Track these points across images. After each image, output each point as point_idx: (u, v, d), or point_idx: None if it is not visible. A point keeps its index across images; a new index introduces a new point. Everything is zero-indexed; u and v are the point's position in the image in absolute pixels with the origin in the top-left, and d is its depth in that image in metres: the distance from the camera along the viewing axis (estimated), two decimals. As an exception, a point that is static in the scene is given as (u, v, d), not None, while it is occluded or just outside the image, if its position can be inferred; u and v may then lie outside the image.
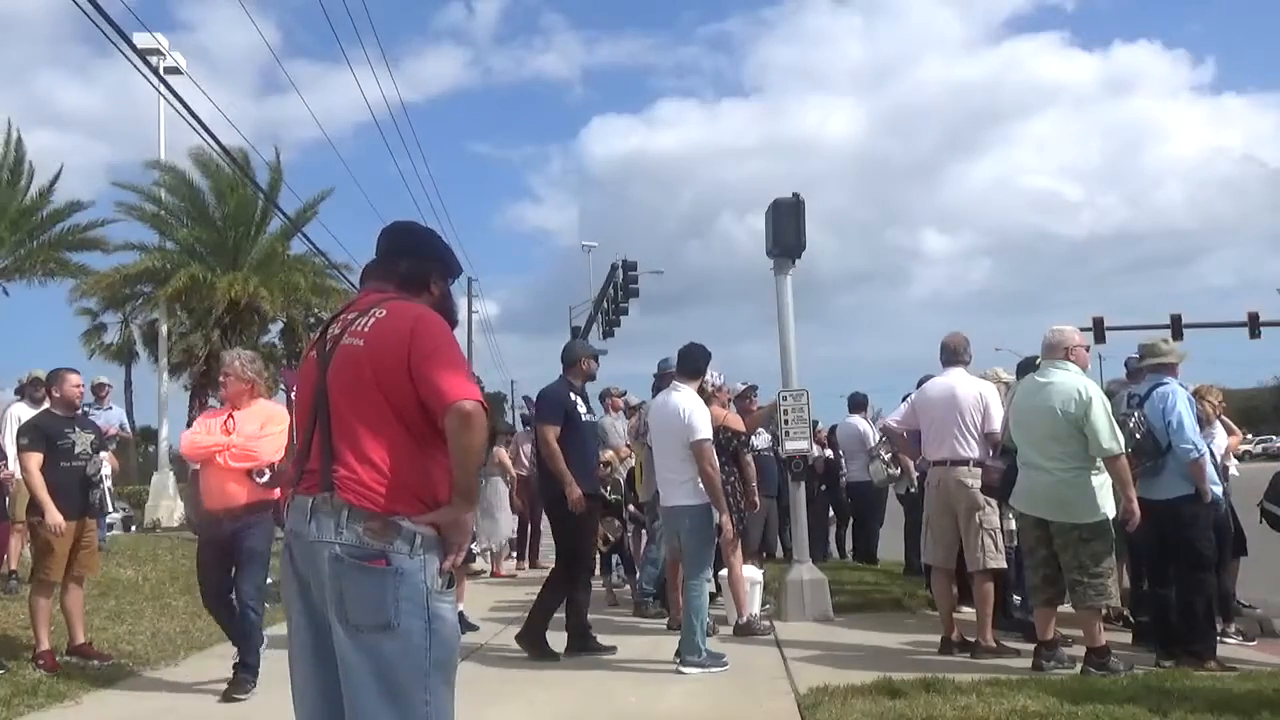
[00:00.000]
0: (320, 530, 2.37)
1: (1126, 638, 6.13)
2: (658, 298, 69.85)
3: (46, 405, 6.29)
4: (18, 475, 6.48)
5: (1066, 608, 5.41)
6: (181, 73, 16.84)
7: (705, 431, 5.79)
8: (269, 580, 5.44)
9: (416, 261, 2.69)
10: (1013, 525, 5.92)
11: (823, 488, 11.29)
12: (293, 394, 3.11)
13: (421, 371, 2.39)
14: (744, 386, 8.37)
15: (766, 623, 6.88)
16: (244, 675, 5.14)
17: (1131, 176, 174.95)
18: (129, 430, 12.68)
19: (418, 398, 2.40)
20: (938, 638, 6.03)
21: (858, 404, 11.38)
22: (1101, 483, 5.15)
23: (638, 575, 8.04)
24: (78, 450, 5.84)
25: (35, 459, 5.69)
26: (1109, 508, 5.14)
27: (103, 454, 6.23)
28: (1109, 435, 5.07)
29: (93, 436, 6.02)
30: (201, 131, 10.11)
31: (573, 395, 6.34)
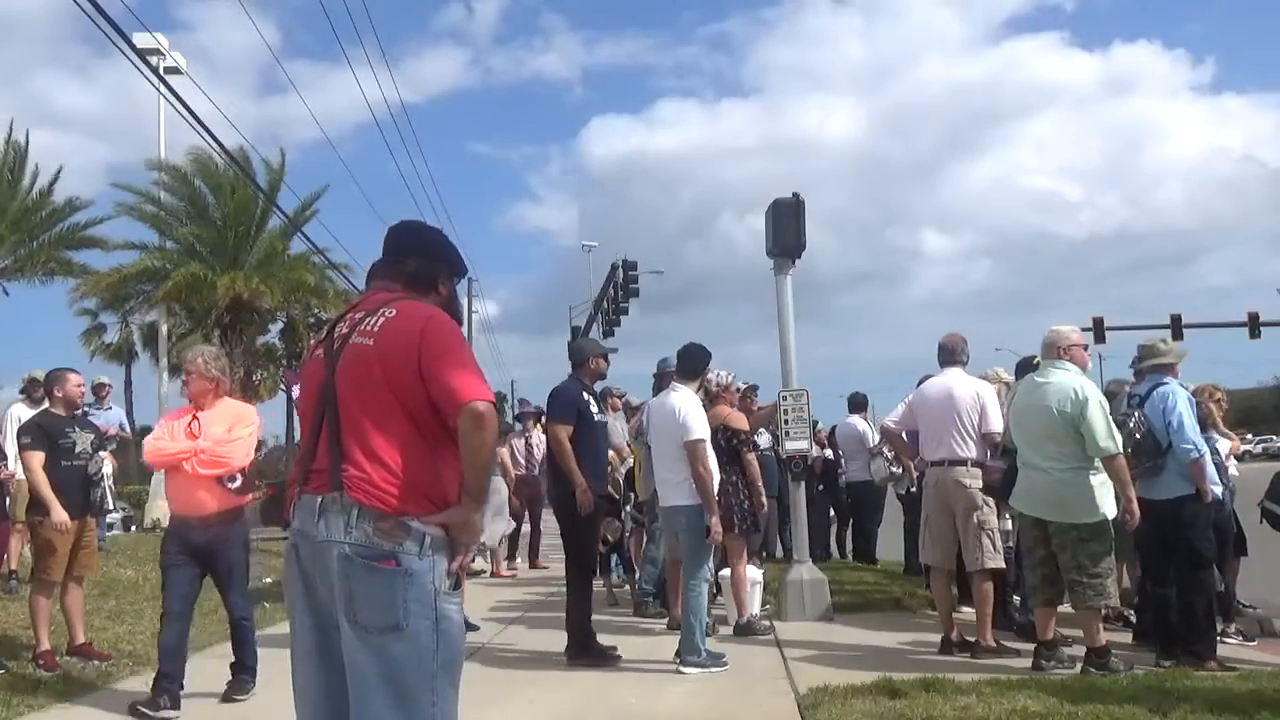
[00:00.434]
0: (329, 530, 2.36)
1: (1126, 637, 6.13)
2: (658, 298, 69.98)
3: (46, 405, 6.29)
4: (18, 476, 6.49)
5: (1066, 608, 5.41)
6: (181, 73, 16.86)
7: (700, 432, 5.79)
8: (269, 580, 5.45)
9: (424, 261, 2.68)
10: (1009, 525, 5.93)
11: (820, 488, 11.29)
12: (294, 394, 3.13)
13: (433, 371, 2.38)
14: (744, 386, 8.37)
15: (766, 623, 6.88)
16: (244, 676, 5.09)
17: (1131, 176, 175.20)
18: (128, 430, 12.68)
19: (428, 397, 2.40)
20: (938, 638, 6.03)
21: (857, 404, 11.39)
22: (1100, 483, 5.15)
23: (637, 575, 8.04)
24: (78, 450, 5.84)
25: (37, 458, 5.69)
26: (1108, 508, 5.14)
27: (102, 453, 6.23)
28: (1105, 434, 5.07)
29: (93, 436, 6.03)
30: (201, 131, 10.10)
31: (585, 395, 6.33)
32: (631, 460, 8.28)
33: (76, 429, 5.92)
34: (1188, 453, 5.44)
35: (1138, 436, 5.56)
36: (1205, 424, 6.15)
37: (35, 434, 5.79)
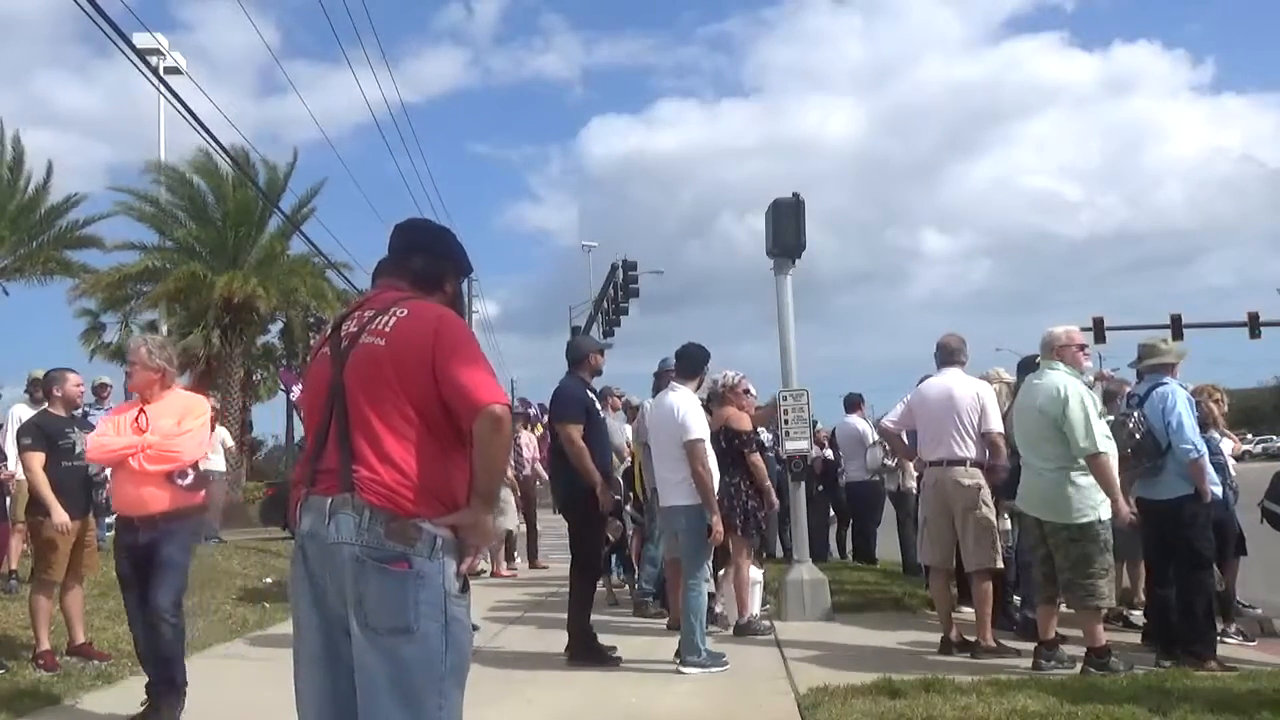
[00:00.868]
0: (340, 531, 2.33)
1: (1127, 637, 6.12)
2: (658, 298, 69.89)
3: (46, 406, 6.28)
4: (19, 476, 6.49)
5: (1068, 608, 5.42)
6: (181, 73, 16.86)
7: (699, 431, 5.78)
8: (270, 580, 5.41)
9: (431, 259, 2.66)
10: (1008, 525, 5.93)
11: (820, 488, 11.30)
12: (293, 394, 3.09)
13: (448, 373, 2.37)
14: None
15: (766, 623, 6.88)
16: (169, 699, 4.56)
17: (1131, 177, 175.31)
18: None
19: (439, 398, 2.38)
20: (938, 638, 6.03)
21: (853, 404, 11.39)
22: (1091, 484, 5.15)
23: (637, 575, 8.04)
24: (78, 450, 5.83)
25: (38, 459, 5.69)
26: (1102, 509, 5.13)
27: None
28: (1083, 434, 5.07)
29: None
30: (201, 131, 10.10)
31: (588, 393, 6.31)
32: (629, 460, 8.27)
33: (76, 429, 5.92)
34: (1187, 453, 5.44)
35: (1137, 437, 5.57)
36: (1206, 424, 6.15)
37: (35, 435, 5.79)
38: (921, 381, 6.56)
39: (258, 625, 7.31)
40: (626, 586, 8.38)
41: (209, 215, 22.61)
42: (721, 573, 7.09)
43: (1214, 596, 5.63)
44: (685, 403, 5.89)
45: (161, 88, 10.32)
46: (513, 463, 11.22)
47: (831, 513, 12.02)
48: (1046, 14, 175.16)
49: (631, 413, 8.99)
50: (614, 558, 8.37)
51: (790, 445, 7.66)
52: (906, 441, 6.59)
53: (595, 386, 6.63)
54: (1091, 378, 6.92)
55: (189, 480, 4.67)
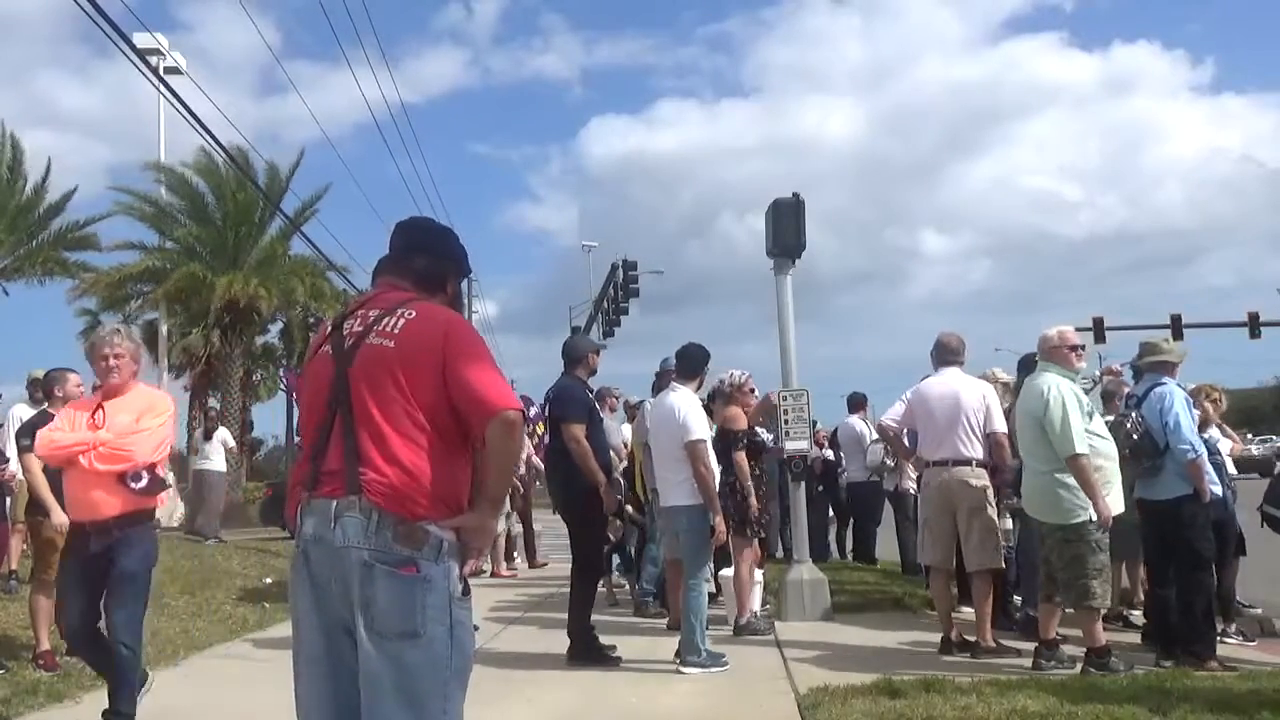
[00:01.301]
0: (348, 535, 2.30)
1: (1127, 637, 6.13)
2: (658, 298, 69.87)
3: (45, 405, 6.28)
4: (19, 476, 6.48)
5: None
6: (181, 73, 16.87)
7: (700, 432, 5.78)
8: (270, 580, 5.36)
9: (433, 259, 2.64)
10: (1009, 525, 5.93)
11: (819, 488, 11.31)
12: (294, 394, 3.03)
13: (460, 378, 2.36)
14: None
15: (766, 623, 6.88)
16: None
17: (1131, 177, 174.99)
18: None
19: (447, 401, 2.37)
20: (938, 638, 6.03)
21: (856, 404, 11.40)
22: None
23: (639, 575, 8.04)
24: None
25: (37, 459, 5.68)
26: (1093, 510, 5.11)
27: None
28: (1061, 435, 5.08)
29: (93, 436, 6.02)
30: (201, 132, 10.11)
31: (588, 393, 6.31)
32: (626, 461, 8.27)
33: (76, 429, 5.91)
34: (1185, 453, 5.44)
35: (1135, 437, 5.57)
36: (1204, 424, 6.15)
37: (34, 435, 5.78)
38: (926, 379, 6.50)
39: (258, 625, 7.31)
40: (626, 586, 8.38)
41: (209, 215, 22.62)
42: (723, 572, 7.10)
43: (1214, 596, 5.63)
44: (686, 403, 5.89)
45: (161, 88, 10.33)
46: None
47: (831, 513, 12.03)
48: (1046, 14, 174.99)
49: (631, 412, 9.00)
50: (614, 558, 8.37)
51: (790, 445, 7.65)
52: (905, 442, 6.59)
53: (592, 386, 6.63)
54: (1096, 377, 6.93)
55: (143, 483, 4.27)
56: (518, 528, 11.81)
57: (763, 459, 7.17)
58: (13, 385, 8.95)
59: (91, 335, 4.33)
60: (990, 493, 5.86)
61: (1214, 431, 6.50)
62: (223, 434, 14.51)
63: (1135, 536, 5.86)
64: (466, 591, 2.41)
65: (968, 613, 6.22)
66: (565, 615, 6.15)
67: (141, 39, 11.55)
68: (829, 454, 11.66)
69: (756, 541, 7.05)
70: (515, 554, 11.70)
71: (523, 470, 11.34)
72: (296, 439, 7.55)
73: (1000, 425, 5.90)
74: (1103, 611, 5.43)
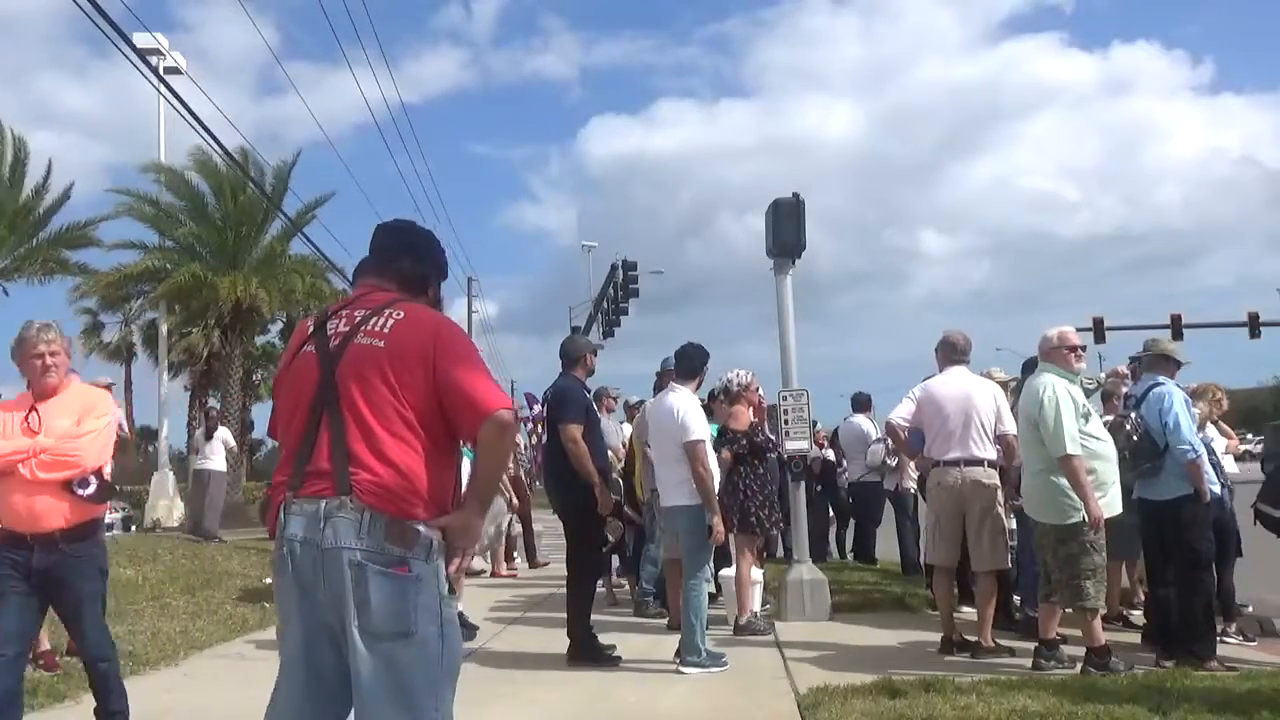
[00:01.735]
0: (339, 536, 2.30)
1: (1127, 637, 6.12)
2: (658, 298, 69.86)
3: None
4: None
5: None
6: (181, 73, 16.86)
7: (699, 432, 5.77)
8: (269, 580, 5.31)
9: (416, 262, 2.65)
10: (1013, 525, 5.92)
11: (819, 488, 11.31)
12: None
13: (451, 379, 2.37)
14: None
15: (766, 623, 6.88)
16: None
17: (1130, 177, 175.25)
18: (126, 430, 12.69)
19: (436, 402, 2.38)
20: (938, 638, 6.03)
21: (861, 404, 11.38)
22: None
23: (638, 575, 8.04)
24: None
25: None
26: (1087, 511, 5.10)
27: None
28: (1053, 436, 5.08)
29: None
30: (201, 132, 10.12)
31: (586, 393, 6.31)
32: (623, 461, 8.27)
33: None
34: (1184, 453, 5.44)
35: (1134, 438, 5.57)
36: (1201, 422, 6.14)
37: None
38: (928, 379, 6.48)
39: (258, 625, 7.31)
40: (626, 586, 8.38)
41: (209, 215, 22.62)
42: (723, 572, 7.10)
43: (1214, 597, 5.63)
44: (685, 403, 5.89)
45: (161, 88, 10.33)
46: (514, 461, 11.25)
47: (831, 513, 12.02)
48: (1045, 14, 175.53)
49: (630, 412, 9.00)
50: (613, 558, 8.38)
51: (790, 445, 7.65)
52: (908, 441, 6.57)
53: (590, 387, 6.63)
54: (1100, 379, 6.92)
55: (91, 490, 3.98)
56: (518, 528, 11.81)
57: (765, 459, 7.16)
58: (14, 385, 8.95)
59: (20, 332, 4.03)
60: (1001, 494, 5.86)
61: (1210, 430, 6.50)
62: (223, 434, 14.51)
63: (1135, 536, 5.86)
64: (453, 590, 2.43)
65: (968, 612, 6.22)
66: (565, 615, 6.14)
67: (141, 39, 11.55)
68: (829, 454, 11.66)
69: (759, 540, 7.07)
70: (515, 554, 11.69)
71: (514, 471, 11.34)
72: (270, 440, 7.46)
73: (1011, 427, 5.86)
74: (1102, 611, 5.43)
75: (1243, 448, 9.92)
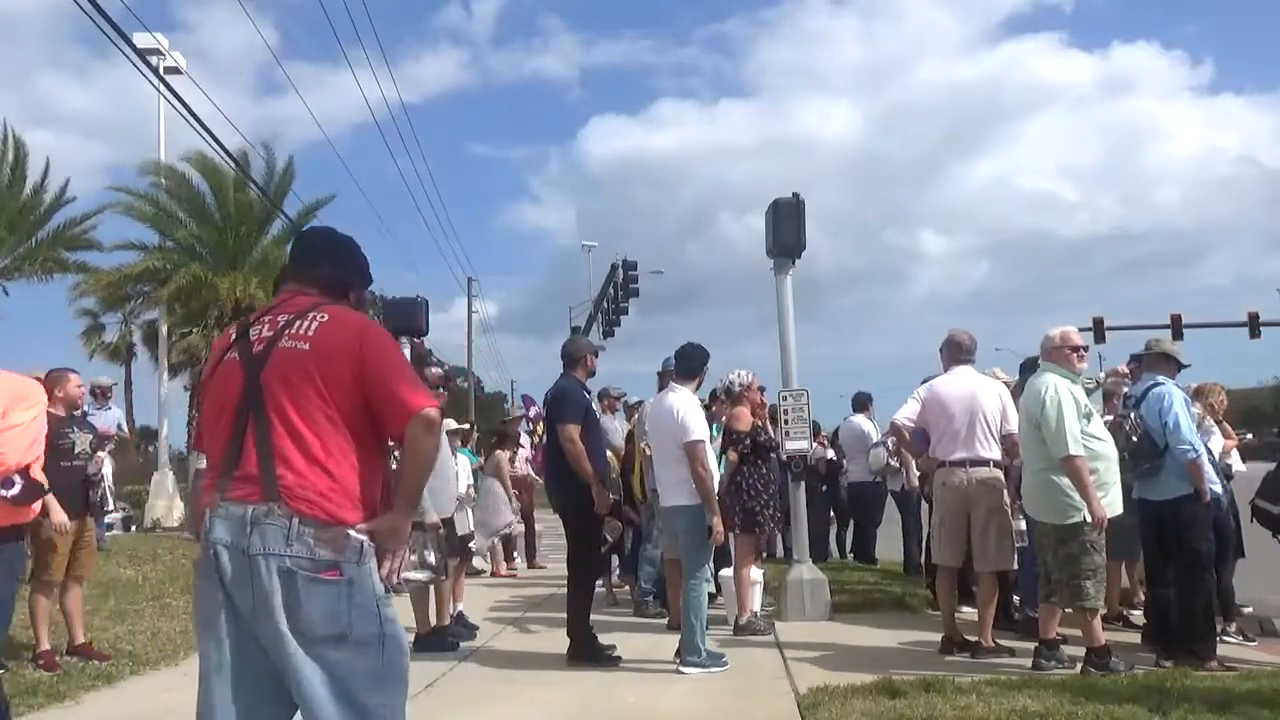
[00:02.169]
0: (267, 543, 2.28)
1: (1127, 637, 6.12)
2: (658, 298, 69.78)
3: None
4: (18, 475, 6.47)
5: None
6: (181, 73, 16.85)
7: (699, 432, 5.77)
8: None
9: (336, 267, 2.67)
10: (1022, 525, 5.90)
11: (824, 488, 11.31)
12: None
13: (378, 378, 2.39)
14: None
15: (766, 623, 6.88)
16: None
17: (1130, 177, 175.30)
18: (126, 430, 12.67)
19: (362, 403, 2.39)
20: (938, 638, 6.02)
21: (861, 403, 11.37)
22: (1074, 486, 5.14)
23: (637, 575, 8.04)
24: (77, 450, 5.84)
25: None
26: (1088, 511, 5.10)
27: (101, 454, 6.22)
28: (1055, 436, 5.08)
29: (91, 437, 6.03)
30: (202, 132, 10.12)
31: (586, 394, 6.31)
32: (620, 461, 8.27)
33: (75, 430, 5.92)
34: (1184, 453, 5.44)
35: (1134, 438, 5.57)
36: (1200, 422, 6.14)
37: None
38: (928, 379, 6.43)
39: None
40: (626, 586, 8.38)
41: (209, 216, 22.61)
42: (723, 572, 7.10)
43: (1214, 597, 5.62)
44: (684, 403, 5.88)
45: (161, 87, 10.33)
46: (513, 460, 11.26)
47: (831, 513, 12.01)
48: (1045, 14, 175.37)
49: (630, 412, 9.00)
50: (613, 558, 8.37)
51: (790, 445, 7.64)
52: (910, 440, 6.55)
53: (590, 387, 6.63)
54: (1100, 379, 6.91)
55: (15, 490, 3.64)
56: (520, 527, 11.81)
57: (768, 459, 7.16)
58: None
59: None
60: (1007, 494, 5.85)
61: (1211, 426, 6.50)
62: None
63: (1135, 536, 5.86)
64: (388, 591, 2.44)
65: (968, 612, 6.22)
66: (565, 615, 6.14)
67: (141, 39, 11.55)
68: (831, 454, 11.65)
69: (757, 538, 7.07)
70: (515, 554, 11.70)
71: (523, 470, 11.35)
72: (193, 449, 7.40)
73: (1015, 427, 5.86)
74: (1102, 611, 5.43)
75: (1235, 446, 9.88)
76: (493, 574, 10.74)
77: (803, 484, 7.89)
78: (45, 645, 5.72)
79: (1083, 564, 5.11)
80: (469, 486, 7.98)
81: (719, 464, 6.62)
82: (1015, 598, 6.59)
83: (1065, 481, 5.10)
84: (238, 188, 21.54)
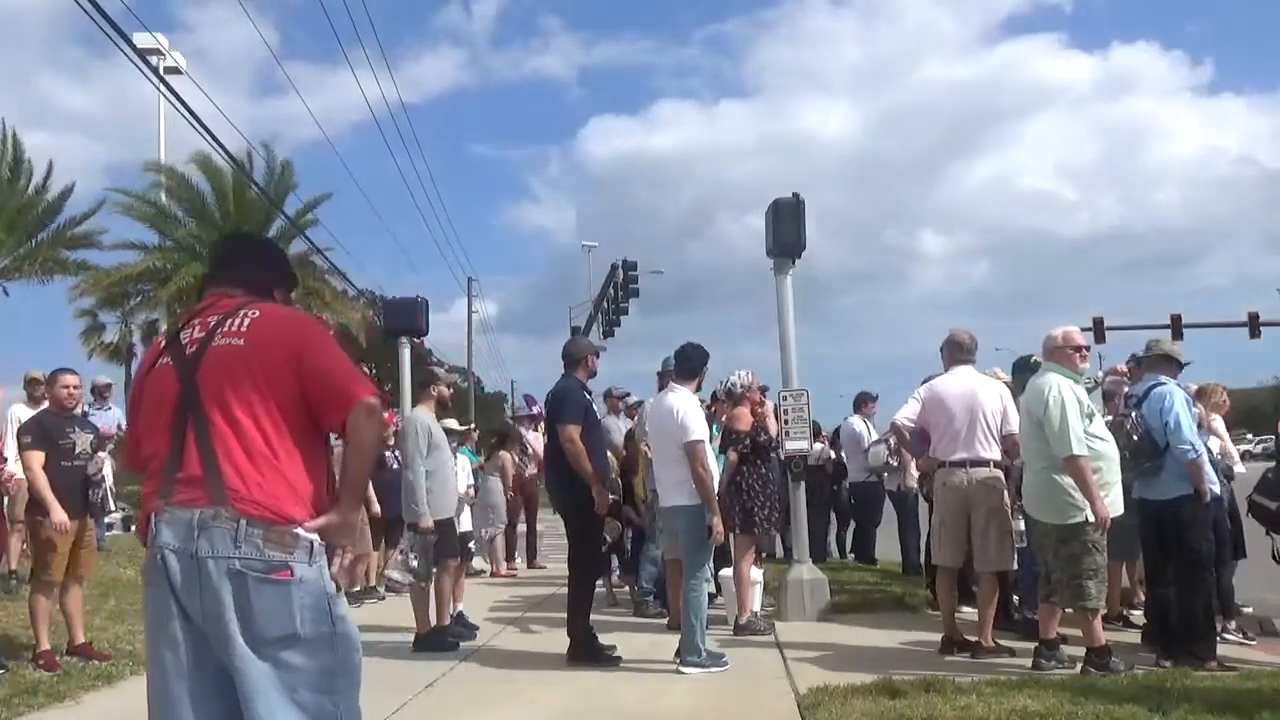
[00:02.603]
0: (215, 546, 2.26)
1: (1127, 637, 6.12)
2: (658, 298, 69.80)
3: (46, 405, 6.29)
4: (18, 475, 6.48)
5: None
6: (181, 73, 16.87)
7: (699, 433, 5.77)
8: None
9: (258, 268, 2.69)
10: (1021, 526, 5.91)
11: (834, 488, 11.32)
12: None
13: (317, 369, 2.38)
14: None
15: (766, 623, 6.88)
16: None
17: (1129, 177, 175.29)
18: (125, 430, 12.67)
19: (301, 397, 2.38)
20: (938, 638, 6.02)
21: (859, 403, 11.36)
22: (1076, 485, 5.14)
23: (638, 575, 8.04)
24: (78, 450, 5.84)
25: (38, 458, 5.69)
26: (1089, 510, 5.09)
27: (101, 454, 6.23)
28: (1059, 436, 5.07)
29: (92, 437, 6.03)
30: (202, 132, 10.11)
31: (587, 394, 6.32)
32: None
33: (76, 429, 5.92)
34: (1185, 453, 5.44)
35: (1135, 438, 5.57)
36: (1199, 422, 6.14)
37: (35, 434, 5.79)
38: (929, 379, 6.41)
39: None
40: (626, 586, 8.38)
41: (209, 216, 22.62)
42: (723, 572, 7.10)
43: (1214, 597, 5.62)
44: (684, 403, 5.88)
45: (161, 87, 10.33)
46: (516, 460, 11.26)
47: (831, 513, 12.00)
48: (1044, 15, 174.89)
49: (630, 412, 9.00)
50: (613, 558, 8.38)
51: (790, 445, 7.64)
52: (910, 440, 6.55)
53: (590, 388, 6.64)
54: (1098, 378, 6.91)
55: None
56: (522, 527, 11.83)
57: (768, 459, 7.16)
58: (14, 386, 8.94)
59: None
60: (1007, 494, 5.85)
61: (1219, 427, 6.50)
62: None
63: (1135, 536, 5.86)
64: (339, 589, 2.43)
65: (969, 612, 6.22)
66: (565, 615, 6.14)
67: (141, 39, 11.55)
68: (831, 454, 11.64)
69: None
70: (515, 554, 11.70)
71: (533, 470, 11.34)
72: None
73: (1017, 427, 5.85)
74: (1102, 611, 5.43)
75: (1243, 447, 9.92)
76: (493, 574, 10.74)
77: (803, 484, 7.89)
78: (45, 645, 5.72)
79: (1084, 564, 5.11)
80: (469, 486, 7.99)
81: (718, 464, 6.63)
82: (1015, 598, 6.59)
83: (1067, 481, 5.10)
84: (238, 188, 21.54)
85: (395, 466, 7.77)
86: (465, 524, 7.59)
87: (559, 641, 6.12)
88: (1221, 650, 5.53)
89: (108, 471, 6.82)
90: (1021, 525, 5.92)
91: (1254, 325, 29.19)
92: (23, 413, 7.69)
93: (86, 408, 7.34)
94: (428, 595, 6.56)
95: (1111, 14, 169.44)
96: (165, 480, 2.35)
